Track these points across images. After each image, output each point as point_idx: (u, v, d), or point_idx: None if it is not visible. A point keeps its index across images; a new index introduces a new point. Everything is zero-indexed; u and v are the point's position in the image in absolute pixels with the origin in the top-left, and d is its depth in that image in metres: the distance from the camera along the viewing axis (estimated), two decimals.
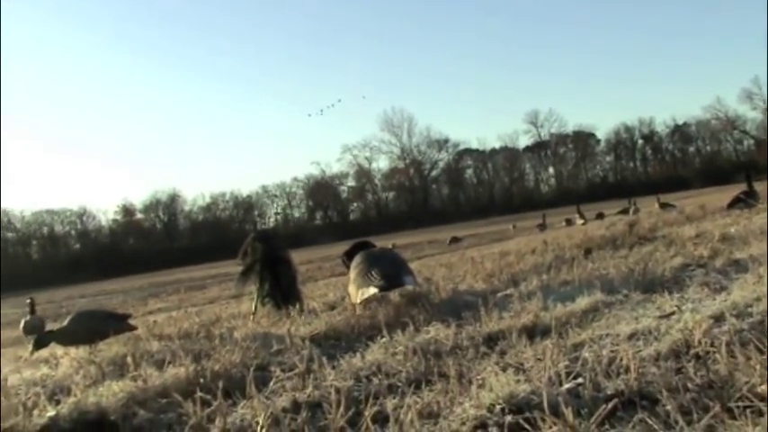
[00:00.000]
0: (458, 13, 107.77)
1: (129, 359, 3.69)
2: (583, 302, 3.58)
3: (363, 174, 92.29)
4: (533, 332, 3.13)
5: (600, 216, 24.13)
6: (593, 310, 3.44)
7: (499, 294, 4.43)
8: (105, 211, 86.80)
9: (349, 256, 5.18)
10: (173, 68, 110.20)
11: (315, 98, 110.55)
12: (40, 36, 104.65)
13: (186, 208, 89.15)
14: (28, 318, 11.50)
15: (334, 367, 2.87)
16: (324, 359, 2.94)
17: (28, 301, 12.09)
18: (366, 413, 1.98)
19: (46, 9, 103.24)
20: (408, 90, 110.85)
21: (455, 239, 25.82)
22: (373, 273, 4.47)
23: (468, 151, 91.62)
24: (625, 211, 22.49)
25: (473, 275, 5.88)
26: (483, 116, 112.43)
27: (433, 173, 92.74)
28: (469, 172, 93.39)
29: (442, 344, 3.07)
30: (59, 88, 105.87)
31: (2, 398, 3.00)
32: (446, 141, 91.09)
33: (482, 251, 11.85)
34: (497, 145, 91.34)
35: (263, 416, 2.11)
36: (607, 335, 2.84)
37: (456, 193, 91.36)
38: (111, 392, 2.96)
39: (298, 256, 6.38)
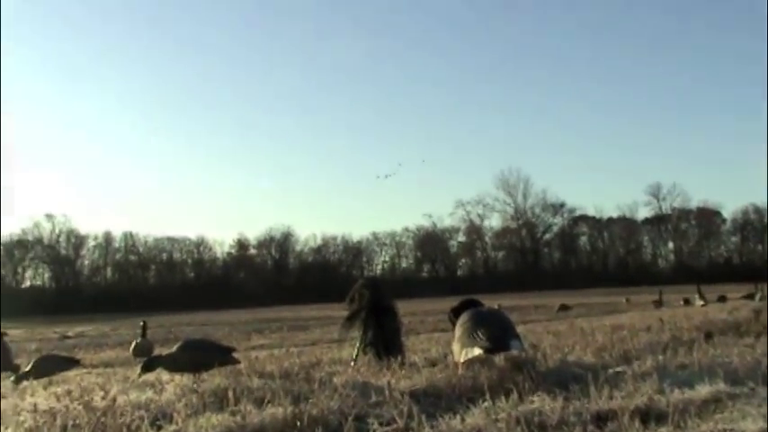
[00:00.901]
0: (584, 79, 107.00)
1: (230, 393, 3.73)
2: (703, 390, 3.34)
3: (474, 230, 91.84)
4: (647, 416, 2.93)
5: (722, 299, 22.89)
6: (714, 401, 3.20)
7: (610, 370, 4.21)
8: (221, 242, 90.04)
9: (456, 312, 5.07)
10: (293, 116, 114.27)
11: (431, 151, 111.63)
12: (167, 78, 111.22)
13: (297, 248, 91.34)
14: (139, 340, 12.00)
15: (432, 426, 2.77)
16: (423, 417, 2.85)
17: (141, 323, 12.61)
18: None
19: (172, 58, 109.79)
20: (526, 151, 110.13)
21: (564, 307, 25.06)
22: (479, 333, 4.35)
23: (584, 218, 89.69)
24: (750, 296, 21.28)
25: (582, 347, 5.63)
26: (602, 184, 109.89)
27: (546, 236, 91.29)
28: (584, 239, 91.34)
29: (547, 416, 2.93)
30: (184, 126, 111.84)
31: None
32: (562, 206, 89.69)
33: (592, 322, 11.42)
34: (615, 214, 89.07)
35: None
36: (731, 430, 2.62)
37: (568, 260, 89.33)
38: (211, 425, 2.99)
39: (402, 307, 6.33)
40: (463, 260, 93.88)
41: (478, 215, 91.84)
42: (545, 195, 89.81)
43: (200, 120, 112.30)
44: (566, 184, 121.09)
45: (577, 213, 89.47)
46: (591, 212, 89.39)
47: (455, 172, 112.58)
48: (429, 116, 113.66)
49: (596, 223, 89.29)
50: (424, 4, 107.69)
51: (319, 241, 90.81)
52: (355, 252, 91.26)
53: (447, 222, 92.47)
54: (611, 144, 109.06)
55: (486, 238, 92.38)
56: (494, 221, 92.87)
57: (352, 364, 5.55)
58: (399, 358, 5.18)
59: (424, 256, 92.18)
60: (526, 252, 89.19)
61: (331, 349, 8.63)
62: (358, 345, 5.85)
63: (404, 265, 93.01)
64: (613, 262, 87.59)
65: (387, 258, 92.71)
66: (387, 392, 3.56)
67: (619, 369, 4.27)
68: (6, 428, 3.05)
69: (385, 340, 5.70)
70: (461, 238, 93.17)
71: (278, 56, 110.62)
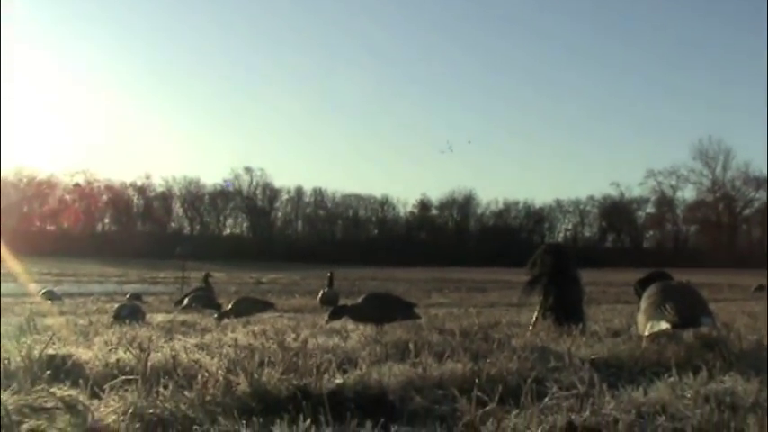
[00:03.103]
0: None
1: (410, 346, 3.85)
2: None
3: (665, 202, 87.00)
4: None
5: None
6: None
7: None
8: (405, 202, 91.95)
9: (643, 284, 4.88)
10: (472, 76, 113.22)
11: (621, 117, 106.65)
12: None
13: (479, 211, 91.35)
14: (326, 290, 12.70)
15: (614, 396, 2.72)
16: (604, 386, 2.80)
17: (328, 274, 13.29)
18: None
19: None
20: (730, 120, 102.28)
21: (761, 287, 23.24)
22: (667, 307, 4.17)
23: None
24: None
25: None
26: None
27: (746, 212, 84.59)
28: None
29: (739, 397, 2.77)
30: (370, 91, 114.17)
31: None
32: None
33: None
34: None
35: (539, 429, 2.07)
36: None
37: None
38: (393, 374, 3.12)
39: (584, 276, 6.19)
40: (651, 232, 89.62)
41: (671, 186, 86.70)
42: (747, 168, 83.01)
43: (389, 82, 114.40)
44: None
45: None
46: None
47: (647, 140, 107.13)
48: (619, 79, 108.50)
49: None
50: None
51: (501, 206, 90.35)
52: (537, 218, 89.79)
53: (636, 192, 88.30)
54: None
55: (678, 211, 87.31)
56: (687, 193, 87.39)
57: (531, 328, 5.54)
58: (580, 326, 5.10)
59: (608, 226, 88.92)
60: (722, 227, 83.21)
61: (509, 312, 8.63)
62: (538, 309, 5.82)
63: (587, 233, 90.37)
64: None
65: (569, 226, 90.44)
66: (566, 358, 3.54)
67: None
68: (212, 358, 3.37)
69: (566, 307, 5.63)
70: (650, 209, 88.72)
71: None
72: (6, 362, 2.97)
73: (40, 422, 1.17)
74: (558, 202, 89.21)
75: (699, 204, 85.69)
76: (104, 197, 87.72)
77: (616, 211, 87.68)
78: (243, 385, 2.78)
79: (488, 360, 3.47)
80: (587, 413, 2.45)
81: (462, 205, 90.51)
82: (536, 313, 5.82)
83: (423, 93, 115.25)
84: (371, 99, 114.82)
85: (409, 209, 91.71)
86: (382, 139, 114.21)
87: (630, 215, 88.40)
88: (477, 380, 2.98)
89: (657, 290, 4.49)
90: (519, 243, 72.21)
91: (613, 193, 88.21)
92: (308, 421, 2.20)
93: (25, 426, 1.17)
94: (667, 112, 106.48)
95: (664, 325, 4.09)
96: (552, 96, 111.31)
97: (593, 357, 3.71)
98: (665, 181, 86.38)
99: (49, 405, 1.24)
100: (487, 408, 2.43)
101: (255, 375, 2.84)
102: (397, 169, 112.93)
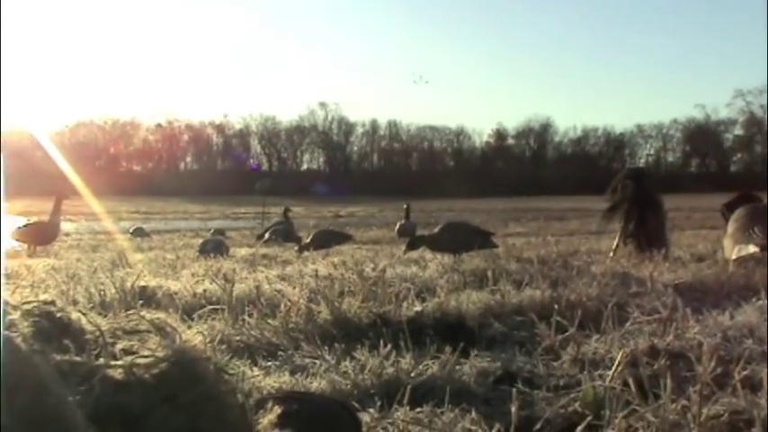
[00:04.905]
0: None
1: (488, 274, 3.85)
2: None
3: (755, 122, 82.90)
4: None
5: None
6: None
7: None
8: (480, 132, 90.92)
9: (730, 207, 4.73)
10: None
11: (704, 38, 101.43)
12: None
13: (556, 139, 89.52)
14: (403, 222, 12.81)
15: (698, 321, 2.67)
16: (688, 310, 2.75)
17: (405, 206, 13.38)
18: (735, 375, 1.81)
19: None
20: None
21: None
22: (756, 230, 4.05)
23: None
24: None
25: None
26: None
27: None
28: None
29: None
30: (444, 16, 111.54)
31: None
32: None
33: None
34: None
35: (620, 353, 2.06)
36: None
37: None
38: (471, 301, 3.14)
39: (667, 202, 6.02)
40: (738, 155, 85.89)
41: (761, 106, 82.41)
42: None
43: (460, 11, 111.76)
44: None
45: None
46: None
47: (734, 58, 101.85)
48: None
49: None
50: None
51: (579, 132, 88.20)
52: (617, 145, 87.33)
53: (722, 114, 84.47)
54: None
55: None
56: None
57: (612, 255, 5.45)
58: (662, 251, 4.99)
59: (693, 150, 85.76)
60: None
61: (588, 240, 8.51)
62: (619, 236, 5.71)
63: (670, 159, 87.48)
64: None
65: (651, 152, 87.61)
66: (648, 284, 3.48)
67: None
68: (294, 288, 3.46)
69: (647, 232, 5.50)
70: (738, 131, 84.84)
71: None
72: (102, 293, 3.12)
73: (132, 343, 1.23)
74: (640, 127, 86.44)
75: None
76: (185, 137, 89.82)
77: (701, 135, 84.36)
78: (324, 313, 2.85)
79: (568, 287, 3.45)
80: (670, 337, 2.41)
81: (539, 133, 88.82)
82: (617, 240, 5.72)
83: (494, 22, 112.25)
84: (442, 29, 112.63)
85: (485, 138, 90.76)
86: (456, 68, 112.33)
87: (717, 138, 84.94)
88: (556, 306, 2.97)
89: (745, 212, 4.35)
90: (598, 171, 70.45)
91: (698, 115, 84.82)
92: (389, 346, 2.25)
93: (119, 346, 1.23)
94: (755, 26, 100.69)
95: (752, 248, 3.98)
96: (630, 17, 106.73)
97: (676, 282, 3.63)
98: (755, 100, 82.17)
99: (140, 328, 1.30)
100: (567, 333, 2.42)
101: (336, 304, 2.91)
102: (473, 99, 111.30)
